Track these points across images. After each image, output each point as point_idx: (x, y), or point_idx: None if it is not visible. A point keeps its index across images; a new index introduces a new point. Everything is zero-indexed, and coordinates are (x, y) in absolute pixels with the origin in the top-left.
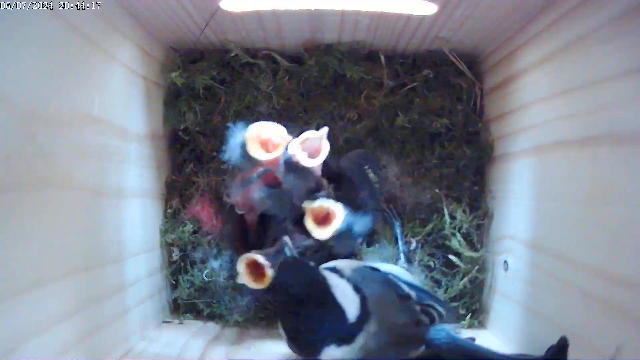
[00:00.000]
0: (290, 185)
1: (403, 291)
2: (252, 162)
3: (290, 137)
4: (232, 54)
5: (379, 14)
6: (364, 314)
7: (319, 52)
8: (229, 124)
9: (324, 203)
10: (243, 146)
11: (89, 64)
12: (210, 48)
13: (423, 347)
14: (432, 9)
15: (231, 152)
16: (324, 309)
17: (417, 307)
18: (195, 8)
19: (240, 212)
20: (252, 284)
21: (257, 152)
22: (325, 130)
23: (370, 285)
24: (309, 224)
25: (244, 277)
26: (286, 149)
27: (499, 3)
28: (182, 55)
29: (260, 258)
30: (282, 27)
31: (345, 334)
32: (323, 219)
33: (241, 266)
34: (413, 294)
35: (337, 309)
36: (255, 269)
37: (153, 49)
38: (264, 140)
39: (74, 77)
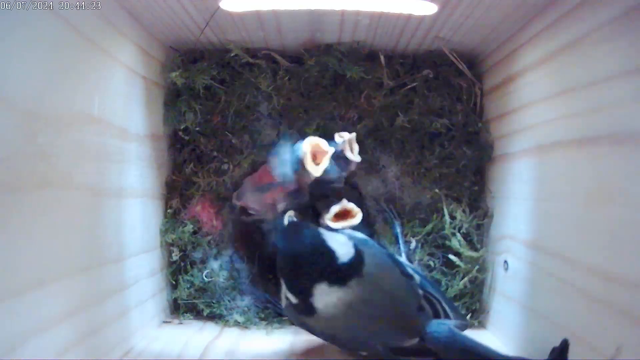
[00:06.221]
0: (333, 172)
1: (406, 270)
2: (305, 175)
3: (332, 150)
4: (232, 54)
5: (379, 14)
6: (357, 259)
7: (319, 52)
8: (278, 141)
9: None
10: (298, 162)
11: (89, 64)
12: (210, 48)
13: (416, 340)
14: (432, 9)
15: (284, 167)
16: (314, 253)
17: (420, 292)
18: (195, 8)
19: (251, 214)
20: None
21: (312, 167)
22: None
23: (369, 249)
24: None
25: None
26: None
27: (499, 3)
28: (182, 55)
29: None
30: (282, 27)
31: (334, 273)
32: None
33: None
34: (417, 277)
35: (327, 251)
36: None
37: (153, 49)
38: (312, 153)
39: (74, 77)
